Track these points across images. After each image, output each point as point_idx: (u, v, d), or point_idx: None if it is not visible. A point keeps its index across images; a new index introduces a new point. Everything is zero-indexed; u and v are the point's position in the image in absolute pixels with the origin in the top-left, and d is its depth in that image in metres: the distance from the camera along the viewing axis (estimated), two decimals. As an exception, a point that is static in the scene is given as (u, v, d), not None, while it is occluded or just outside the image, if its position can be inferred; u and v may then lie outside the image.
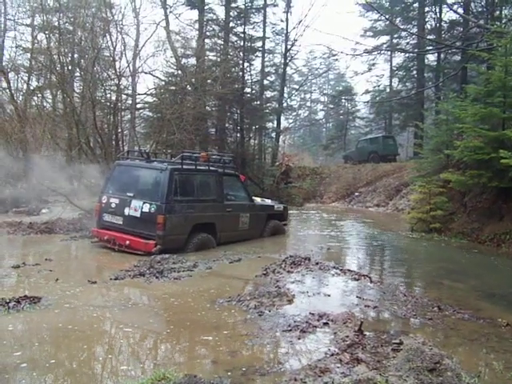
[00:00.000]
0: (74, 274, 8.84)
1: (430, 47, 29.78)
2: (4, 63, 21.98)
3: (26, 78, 24.25)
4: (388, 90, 40.82)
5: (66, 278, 8.01)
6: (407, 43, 36.66)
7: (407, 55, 36.14)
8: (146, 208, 10.15)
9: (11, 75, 22.60)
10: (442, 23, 32.99)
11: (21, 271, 8.33)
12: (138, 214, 10.26)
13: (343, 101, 44.76)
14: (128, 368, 4.80)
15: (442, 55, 32.29)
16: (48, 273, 8.23)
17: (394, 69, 39.77)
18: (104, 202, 10.95)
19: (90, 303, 6.62)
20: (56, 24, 20.31)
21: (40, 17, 21.61)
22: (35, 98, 23.08)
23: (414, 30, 34.11)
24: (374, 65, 40.34)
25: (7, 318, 5.89)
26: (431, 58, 35.23)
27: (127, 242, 10.17)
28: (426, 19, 34.31)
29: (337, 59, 53.70)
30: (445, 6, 30.95)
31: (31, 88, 23.56)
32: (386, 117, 40.67)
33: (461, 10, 28.72)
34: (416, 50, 31.94)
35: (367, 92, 42.69)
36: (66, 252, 10.82)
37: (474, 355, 5.44)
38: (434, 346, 5.00)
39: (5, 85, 21.56)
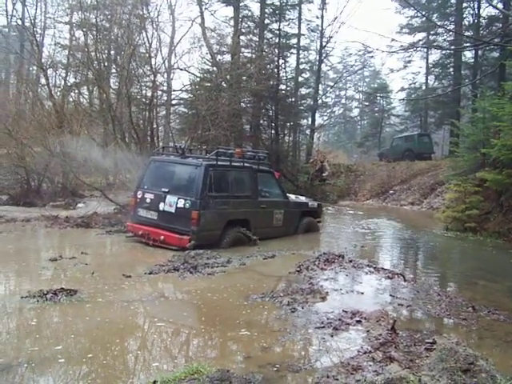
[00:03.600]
0: (109, 267, 8.96)
1: (468, 44, 29.26)
2: (43, 60, 22.33)
3: (63, 75, 24.78)
4: (424, 87, 40.29)
5: (101, 271, 8.14)
6: (444, 40, 36.09)
7: (444, 52, 35.62)
8: (181, 203, 10.21)
9: (50, 72, 23.09)
10: (481, 19, 32.28)
11: (57, 264, 8.50)
12: (172, 210, 10.34)
13: (378, 98, 44.42)
14: (161, 362, 4.86)
15: (480, 52, 31.60)
16: (84, 266, 8.38)
17: (431, 66, 39.23)
18: (139, 197, 11.06)
19: (124, 297, 6.72)
20: (93, 21, 20.59)
21: (78, 15, 21.94)
22: (72, 94, 23.47)
23: (451, 26, 33.49)
24: (409, 62, 39.98)
25: (45, 309, 6.04)
26: (468, 55, 34.69)
27: (162, 237, 10.25)
28: (464, 15, 33.61)
29: (372, 56, 53.10)
30: (483, 1, 30.37)
31: (69, 84, 23.99)
32: (421, 114, 40.12)
33: (500, 5, 28.05)
34: (453, 47, 31.36)
35: (403, 89, 42.37)
36: (101, 246, 10.98)
37: (509, 357, 5.34)
38: (468, 346, 4.93)
39: (44, 81, 22.00)
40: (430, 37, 37.37)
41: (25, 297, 6.32)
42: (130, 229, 11.17)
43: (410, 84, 42.17)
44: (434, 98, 33.92)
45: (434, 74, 38.97)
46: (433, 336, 5.46)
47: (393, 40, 32.93)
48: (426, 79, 40.72)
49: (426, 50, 38.28)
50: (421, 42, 37.63)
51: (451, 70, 35.33)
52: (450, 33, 33.35)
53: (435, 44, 35.40)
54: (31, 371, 4.37)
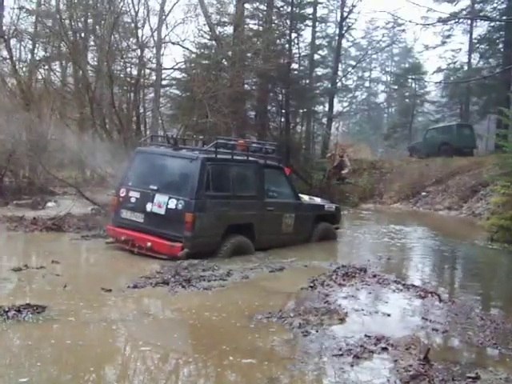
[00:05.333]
0: (85, 279, 9.01)
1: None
2: (4, 28, 21.72)
3: (30, 47, 24.53)
4: (466, 67, 40.14)
5: (75, 284, 8.14)
6: (494, 9, 35.57)
7: (492, 24, 35.28)
8: (173, 204, 10.20)
9: (13, 43, 22.69)
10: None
11: (22, 275, 8.47)
12: (162, 211, 10.33)
13: (410, 81, 44.30)
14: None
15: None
16: (54, 278, 8.37)
17: (475, 42, 38.99)
18: (122, 195, 11.05)
19: (102, 315, 6.73)
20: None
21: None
22: (42, 70, 23.39)
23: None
24: (449, 37, 39.73)
25: (6, 330, 6.00)
26: (523, 28, 34.40)
27: (148, 244, 10.23)
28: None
29: (403, 30, 52.44)
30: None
31: (37, 59, 23.90)
32: (461, 101, 39.99)
33: None
34: (504, 18, 31.14)
35: (440, 70, 42.16)
36: (75, 254, 10.99)
37: None
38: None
39: (6, 54, 21.55)
40: (476, 5, 36.99)
41: (-19, 314, 6.31)
42: (111, 233, 11.17)
43: (448, 64, 42.02)
44: (479, 81, 33.70)
45: (479, 52, 38.66)
46: (475, 369, 5.44)
47: (429, 10, 32.74)
48: (469, 58, 40.52)
49: (469, 22, 38.03)
50: (464, 12, 37.29)
51: (501, 46, 34.98)
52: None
53: (482, 14, 35.10)
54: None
